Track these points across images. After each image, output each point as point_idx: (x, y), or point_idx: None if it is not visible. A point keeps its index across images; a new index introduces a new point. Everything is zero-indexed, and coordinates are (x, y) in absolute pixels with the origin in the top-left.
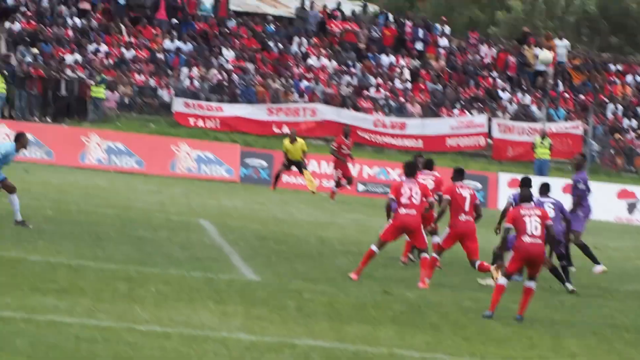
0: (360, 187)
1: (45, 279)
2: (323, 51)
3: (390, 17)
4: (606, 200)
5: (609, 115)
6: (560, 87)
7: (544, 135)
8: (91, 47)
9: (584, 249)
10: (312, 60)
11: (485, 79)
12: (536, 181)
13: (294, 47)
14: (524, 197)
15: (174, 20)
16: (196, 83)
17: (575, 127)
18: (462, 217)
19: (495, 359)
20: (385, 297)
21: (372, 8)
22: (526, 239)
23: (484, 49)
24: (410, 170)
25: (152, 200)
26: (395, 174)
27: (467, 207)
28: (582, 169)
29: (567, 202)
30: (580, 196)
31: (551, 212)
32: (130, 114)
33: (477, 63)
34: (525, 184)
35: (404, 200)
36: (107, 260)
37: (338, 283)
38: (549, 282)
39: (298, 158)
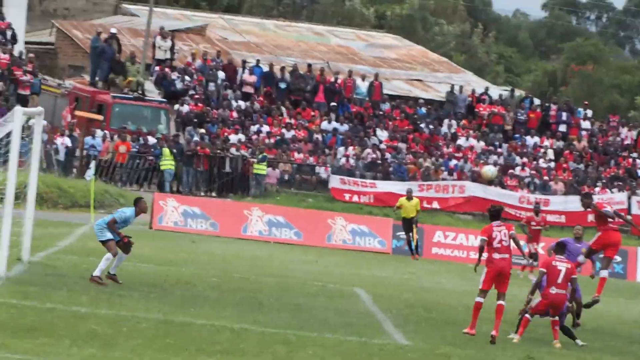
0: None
1: (210, 341)
2: (471, 132)
3: (536, 101)
4: None
5: None
6: None
7: None
8: (254, 128)
9: None
10: (461, 141)
11: (625, 159)
12: None
13: (444, 128)
14: None
15: (332, 103)
16: (351, 161)
17: None
18: (553, 290)
19: None
20: None
21: (518, 92)
22: None
23: (624, 131)
24: (497, 215)
25: (309, 269)
26: (540, 246)
27: (560, 280)
28: None
29: None
30: None
31: None
32: (290, 189)
33: (618, 144)
34: None
35: (495, 244)
36: (267, 325)
37: (484, 348)
38: None
39: (412, 215)
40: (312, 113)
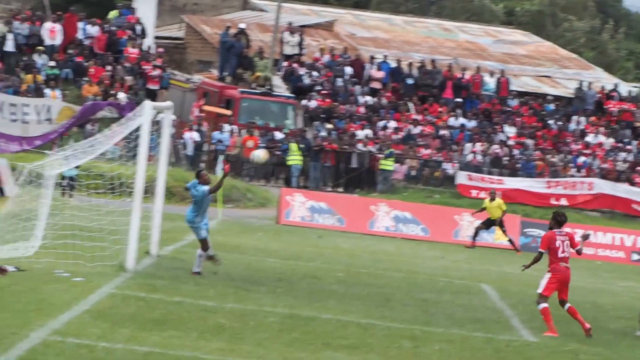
0: (635, 257)
1: (336, 336)
2: (600, 129)
3: None
4: None
5: None
6: None
7: None
8: (381, 123)
9: None
10: (589, 137)
11: None
12: None
13: (573, 125)
14: None
15: (458, 99)
16: (479, 157)
17: None
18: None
19: None
20: None
21: None
22: None
23: None
24: (563, 223)
25: (436, 265)
26: None
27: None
28: None
29: None
30: None
31: None
32: (417, 185)
33: None
34: None
35: (560, 254)
36: (394, 320)
37: (613, 346)
38: None
39: (497, 216)
40: (440, 109)
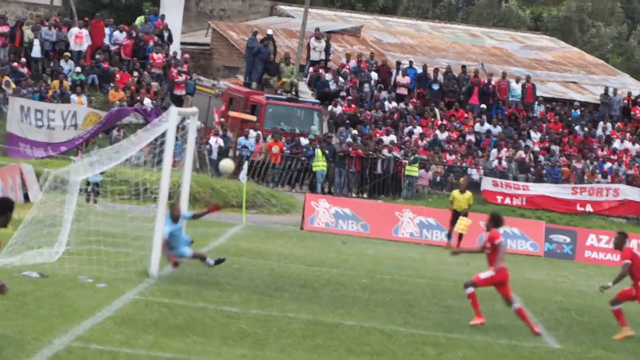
0: None
1: (359, 342)
2: (627, 135)
3: None
4: None
5: None
6: None
7: None
8: (406, 129)
9: None
10: (615, 144)
11: None
12: None
13: (599, 131)
14: None
15: (482, 105)
16: (504, 163)
17: None
18: None
19: None
20: None
21: None
22: None
23: None
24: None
25: (460, 271)
26: None
27: None
28: None
29: None
30: None
31: None
32: (442, 191)
33: None
34: None
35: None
36: (417, 327)
37: (638, 353)
38: None
39: (463, 209)
40: (465, 115)
